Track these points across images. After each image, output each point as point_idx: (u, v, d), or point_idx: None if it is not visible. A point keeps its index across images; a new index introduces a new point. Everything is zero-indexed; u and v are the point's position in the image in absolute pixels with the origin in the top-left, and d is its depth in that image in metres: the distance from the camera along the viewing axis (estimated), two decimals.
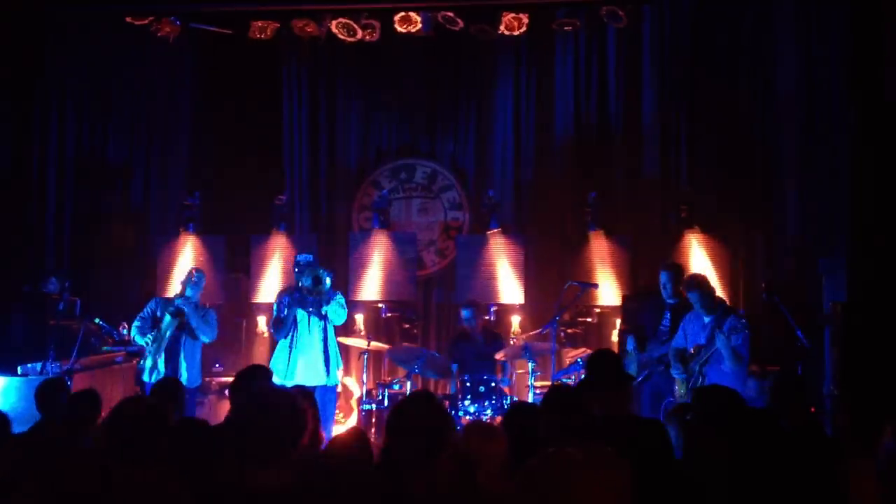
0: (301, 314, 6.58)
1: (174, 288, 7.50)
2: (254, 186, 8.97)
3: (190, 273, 6.85)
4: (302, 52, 9.02)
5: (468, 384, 6.80)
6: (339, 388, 7.31)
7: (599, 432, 3.38)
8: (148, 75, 9.14)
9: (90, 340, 7.22)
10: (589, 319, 8.16)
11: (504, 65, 8.87)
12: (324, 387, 6.46)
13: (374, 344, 7.38)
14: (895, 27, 6.11)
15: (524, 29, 8.12)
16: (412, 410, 3.16)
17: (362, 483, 3.00)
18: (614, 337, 7.94)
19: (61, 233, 8.97)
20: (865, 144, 6.15)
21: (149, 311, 6.75)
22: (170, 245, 8.60)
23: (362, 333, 8.02)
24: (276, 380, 5.45)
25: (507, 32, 8.16)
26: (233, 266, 8.77)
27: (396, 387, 7.36)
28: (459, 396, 6.77)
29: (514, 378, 7.52)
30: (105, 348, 7.43)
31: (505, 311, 8.36)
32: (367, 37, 8.29)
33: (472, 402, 6.73)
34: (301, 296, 6.51)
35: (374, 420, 7.12)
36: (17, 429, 4.24)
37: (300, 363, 6.51)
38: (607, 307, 8.11)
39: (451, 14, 8.01)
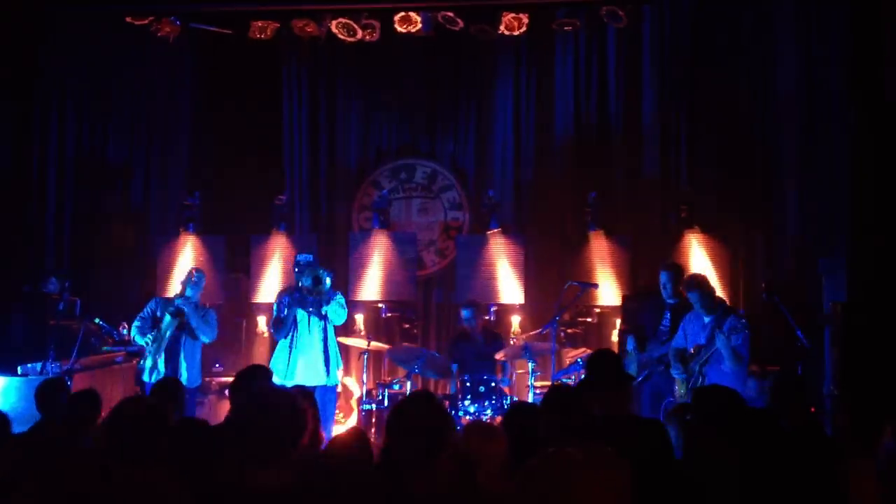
0: (301, 314, 6.58)
1: (174, 288, 7.50)
2: (254, 186, 8.98)
3: (190, 273, 6.84)
4: (302, 52, 9.02)
5: (468, 384, 6.79)
6: (339, 388, 7.31)
7: (599, 432, 3.38)
8: (148, 75, 9.14)
9: (90, 340, 7.22)
10: (589, 319, 8.16)
11: (504, 65, 8.87)
12: (324, 387, 6.46)
13: (374, 344, 7.37)
14: (895, 27, 6.11)
15: (524, 29, 8.11)
16: (412, 410, 3.15)
17: (362, 483, 3.00)
18: (614, 337, 7.93)
19: (61, 233, 8.97)
20: (865, 144, 6.16)
21: (149, 311, 6.75)
22: (170, 245, 8.60)
23: (362, 333, 8.02)
24: (276, 380, 5.45)
25: (507, 32, 8.16)
26: (233, 266, 8.76)
27: (396, 387, 7.35)
28: (459, 396, 6.77)
29: (514, 378, 7.51)
30: (105, 348, 7.43)
31: (505, 311, 8.36)
32: (367, 37, 8.29)
33: (472, 402, 6.73)
34: (301, 296, 6.50)
35: (374, 420, 7.12)
36: (17, 429, 4.24)
37: (300, 363, 6.51)
38: (607, 307, 8.11)
39: (451, 14, 8.01)
